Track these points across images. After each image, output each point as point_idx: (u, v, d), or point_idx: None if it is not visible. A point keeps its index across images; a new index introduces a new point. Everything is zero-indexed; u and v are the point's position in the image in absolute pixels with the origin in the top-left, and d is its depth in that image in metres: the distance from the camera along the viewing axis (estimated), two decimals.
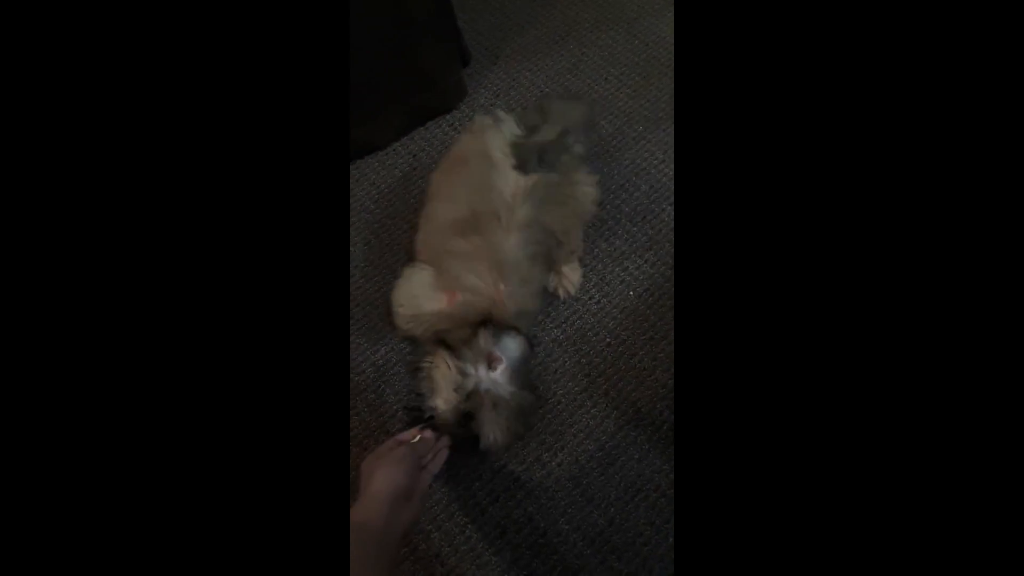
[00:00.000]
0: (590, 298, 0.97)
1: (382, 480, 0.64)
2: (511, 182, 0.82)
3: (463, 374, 0.77)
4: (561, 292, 0.96)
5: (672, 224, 1.02)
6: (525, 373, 0.80)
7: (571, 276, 0.96)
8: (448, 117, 1.17)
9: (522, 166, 0.83)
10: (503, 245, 0.80)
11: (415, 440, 0.74)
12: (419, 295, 0.85)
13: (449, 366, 0.78)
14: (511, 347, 0.79)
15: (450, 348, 0.79)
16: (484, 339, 0.78)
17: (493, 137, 0.87)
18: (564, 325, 0.95)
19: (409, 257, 0.94)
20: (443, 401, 0.77)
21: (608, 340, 0.94)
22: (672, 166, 1.08)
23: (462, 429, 0.77)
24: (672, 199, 1.05)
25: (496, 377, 0.77)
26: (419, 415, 0.79)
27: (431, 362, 0.80)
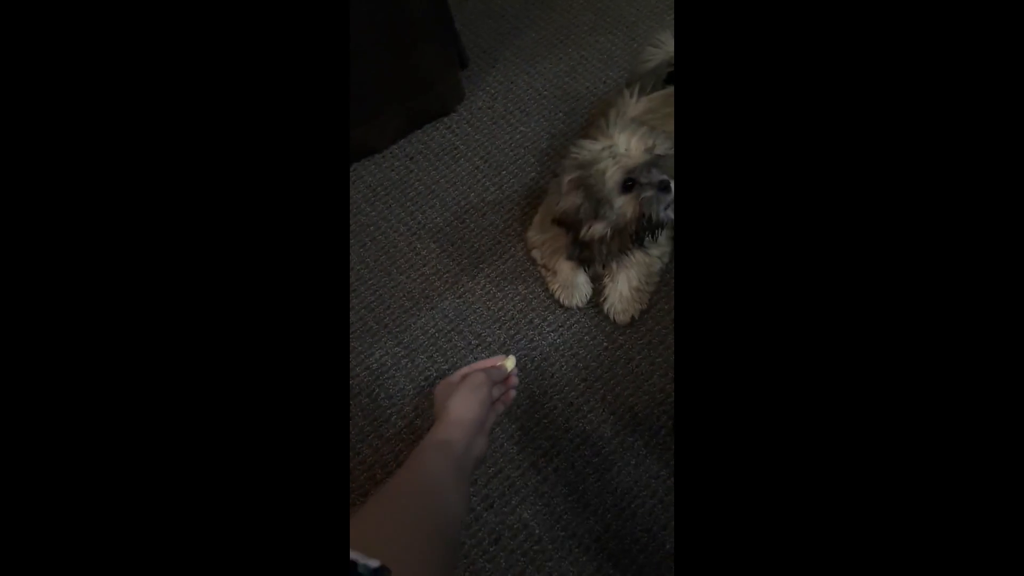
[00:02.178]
0: (588, 302, 0.97)
1: (461, 406, 0.64)
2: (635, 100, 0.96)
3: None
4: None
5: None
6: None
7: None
8: (446, 120, 1.17)
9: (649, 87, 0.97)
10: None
11: (491, 368, 0.73)
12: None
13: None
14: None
15: None
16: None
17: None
18: (561, 329, 0.95)
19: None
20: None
21: (605, 345, 0.93)
22: None
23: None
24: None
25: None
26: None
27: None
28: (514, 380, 0.76)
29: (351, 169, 1.12)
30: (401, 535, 0.47)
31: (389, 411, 0.90)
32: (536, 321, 0.95)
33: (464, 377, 0.70)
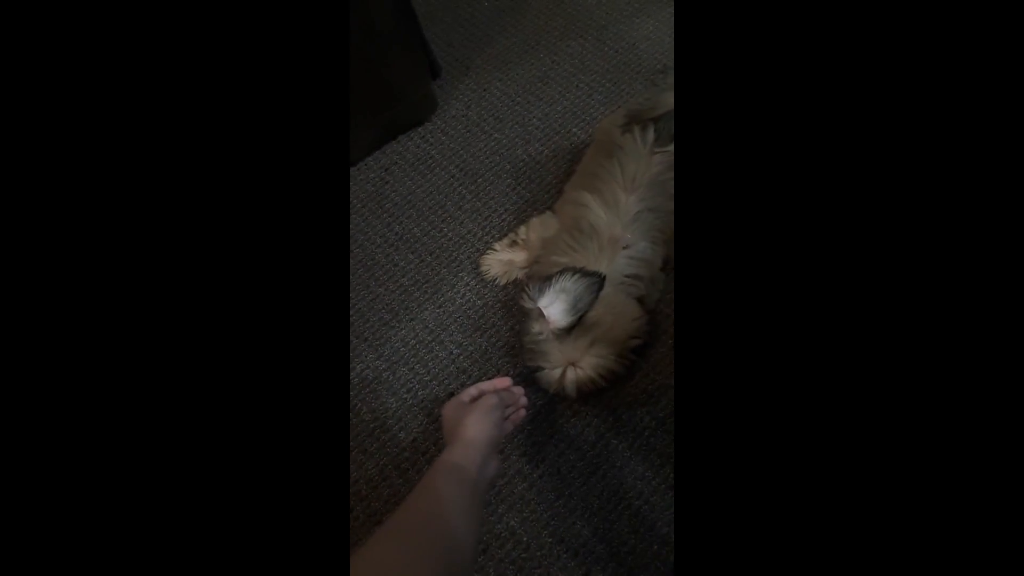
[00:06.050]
0: None
1: (475, 428, 0.64)
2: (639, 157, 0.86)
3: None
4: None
5: None
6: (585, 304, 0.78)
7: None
8: (420, 130, 1.17)
9: (661, 139, 0.87)
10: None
11: (502, 390, 0.73)
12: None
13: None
14: (555, 299, 0.77)
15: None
16: (527, 297, 0.79)
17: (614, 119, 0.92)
18: None
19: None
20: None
21: None
22: None
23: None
24: None
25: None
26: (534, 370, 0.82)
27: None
28: (524, 400, 0.77)
29: None
30: (411, 569, 0.47)
31: (372, 425, 0.89)
32: (517, 329, 0.95)
33: (474, 398, 0.70)
